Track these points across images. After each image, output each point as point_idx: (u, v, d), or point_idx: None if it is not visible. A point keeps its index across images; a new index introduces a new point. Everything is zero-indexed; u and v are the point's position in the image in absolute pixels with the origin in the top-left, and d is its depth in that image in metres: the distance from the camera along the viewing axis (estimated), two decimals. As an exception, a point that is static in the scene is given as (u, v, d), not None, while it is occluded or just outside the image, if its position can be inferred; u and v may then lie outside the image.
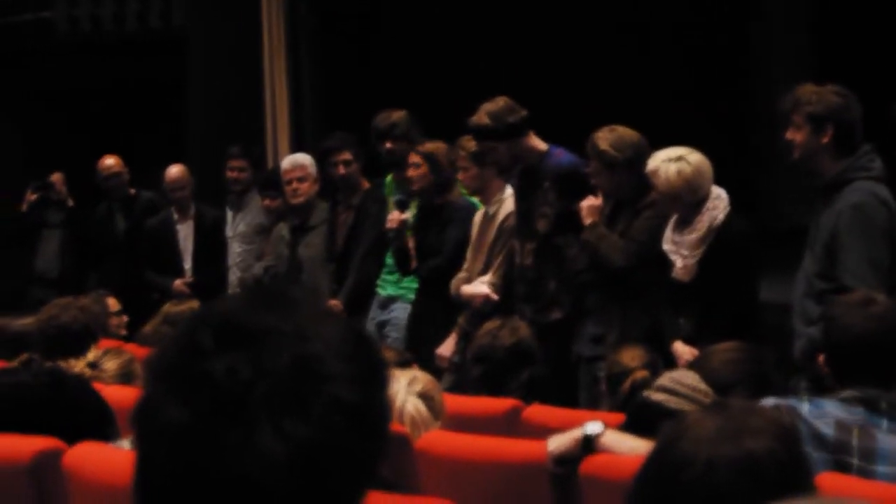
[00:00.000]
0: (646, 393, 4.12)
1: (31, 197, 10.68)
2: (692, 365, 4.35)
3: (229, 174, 9.73)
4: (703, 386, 4.03)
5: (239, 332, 1.40)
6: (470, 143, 7.31)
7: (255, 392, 1.36)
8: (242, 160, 9.73)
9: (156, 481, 1.41)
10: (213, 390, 1.36)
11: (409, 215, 7.85)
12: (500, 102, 7.09)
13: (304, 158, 9.10)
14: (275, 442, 1.35)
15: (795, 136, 5.79)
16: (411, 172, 7.68)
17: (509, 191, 7.42)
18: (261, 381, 1.36)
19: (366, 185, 8.63)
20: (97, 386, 4.48)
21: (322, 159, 8.82)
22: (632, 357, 5.11)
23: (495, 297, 7.24)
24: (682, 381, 4.06)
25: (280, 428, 1.35)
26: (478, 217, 7.52)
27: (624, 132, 6.69)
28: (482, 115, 7.05)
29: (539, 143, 7.14)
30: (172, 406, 1.38)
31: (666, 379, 4.12)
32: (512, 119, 7.04)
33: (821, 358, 4.03)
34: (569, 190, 6.87)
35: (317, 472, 1.37)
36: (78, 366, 5.29)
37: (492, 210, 7.43)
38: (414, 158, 7.67)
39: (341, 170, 8.61)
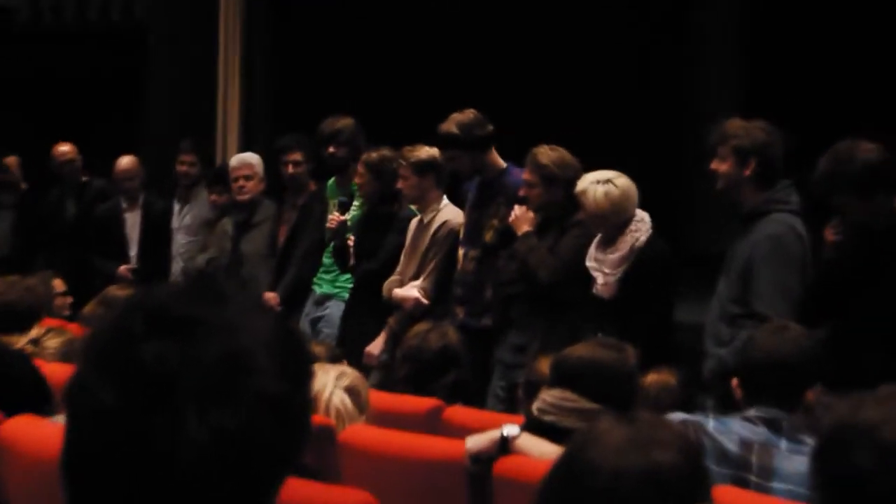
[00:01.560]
0: (535, 413, 4.13)
1: None
2: (561, 379, 4.34)
3: (179, 168, 9.70)
4: (586, 403, 4.05)
5: (170, 321, 1.39)
6: (411, 154, 7.33)
7: (183, 380, 1.35)
8: (192, 155, 9.71)
9: (82, 459, 1.40)
10: (141, 375, 1.36)
11: (348, 217, 7.84)
12: (469, 115, 7.13)
13: (252, 157, 9.09)
14: (200, 429, 1.34)
15: (720, 167, 5.85)
16: (357, 179, 7.68)
17: (445, 201, 7.45)
18: (189, 370, 1.36)
19: (312, 186, 8.61)
20: (38, 363, 4.44)
21: (275, 158, 8.80)
22: (549, 366, 5.11)
23: (425, 301, 7.26)
24: (565, 402, 4.08)
25: (206, 417, 1.35)
26: (413, 224, 7.53)
27: (565, 153, 6.75)
28: (451, 125, 7.09)
29: (499, 160, 7.19)
30: (102, 388, 1.37)
31: (549, 400, 4.13)
32: (479, 132, 7.08)
33: (734, 381, 4.05)
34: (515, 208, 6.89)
35: (239, 460, 1.37)
36: (20, 342, 5.25)
37: (427, 218, 7.44)
38: (359, 168, 7.66)
39: (290, 169, 8.59)
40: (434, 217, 7.41)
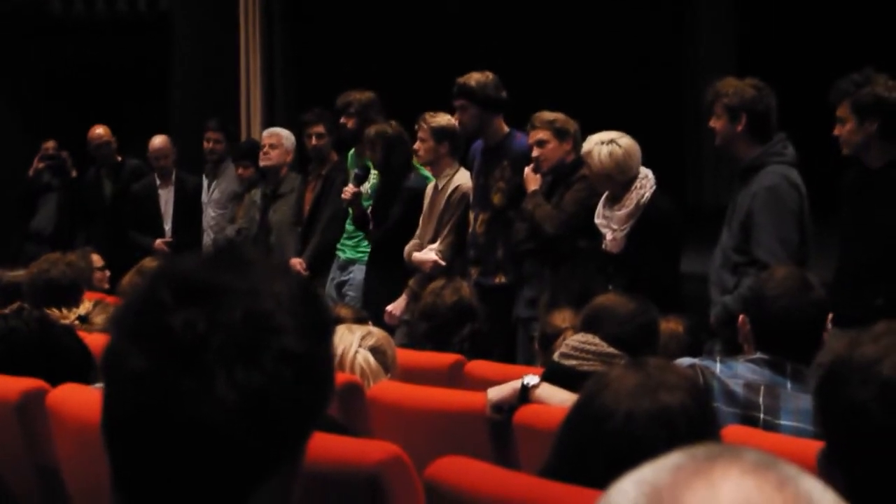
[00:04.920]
0: (556, 358, 4.11)
1: (39, 165, 10.65)
2: (587, 325, 4.31)
3: (206, 145, 9.74)
4: (606, 347, 4.03)
5: (196, 289, 1.39)
6: (432, 119, 7.34)
7: (210, 343, 1.35)
8: (218, 132, 9.75)
9: (120, 422, 1.41)
10: (171, 342, 1.36)
11: (366, 188, 7.83)
12: (488, 75, 7.14)
13: (280, 130, 9.17)
14: (228, 389, 1.34)
15: (716, 124, 5.87)
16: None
17: (458, 167, 7.43)
18: (215, 333, 1.35)
19: (335, 157, 8.61)
20: (82, 334, 4.46)
21: (299, 132, 8.82)
22: (563, 318, 5.10)
23: (443, 263, 7.27)
24: (587, 345, 4.06)
25: (233, 376, 1.35)
26: (429, 189, 7.53)
27: (563, 115, 6.75)
28: (469, 78, 7.10)
29: (503, 126, 7.19)
30: (134, 356, 1.38)
31: (572, 343, 4.11)
32: (492, 93, 7.07)
33: (741, 318, 4.02)
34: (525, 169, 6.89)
35: (266, 416, 1.37)
36: (69, 318, 5.28)
37: (441, 183, 7.43)
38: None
39: (313, 141, 8.60)
40: (448, 182, 7.40)
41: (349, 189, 7.73)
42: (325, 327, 1.47)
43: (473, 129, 7.17)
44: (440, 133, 7.32)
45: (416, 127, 7.43)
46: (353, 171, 7.90)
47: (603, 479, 1.04)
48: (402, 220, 7.52)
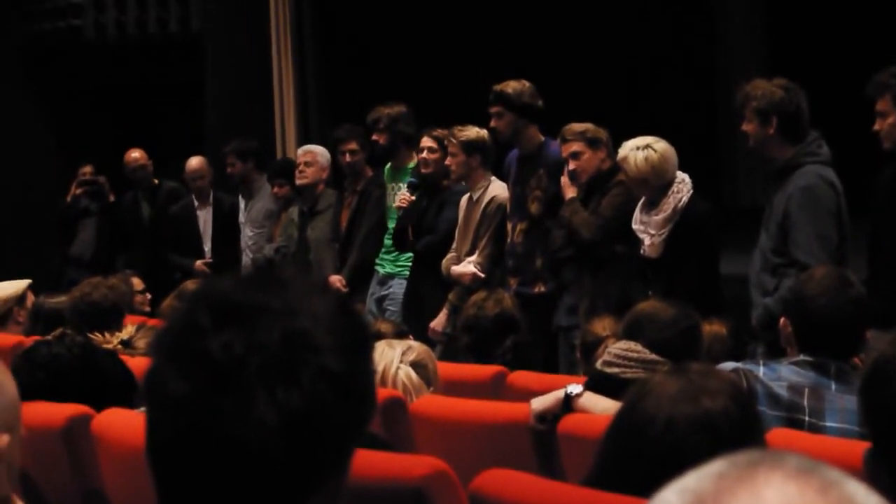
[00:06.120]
0: (599, 366, 4.10)
1: (77, 191, 10.72)
2: (629, 332, 4.29)
3: (228, 169, 9.76)
4: (649, 354, 4.01)
5: (233, 311, 1.40)
6: (461, 133, 7.34)
7: (249, 365, 1.36)
8: (231, 156, 9.72)
9: (163, 445, 1.42)
10: (210, 365, 1.37)
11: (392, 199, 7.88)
12: (525, 83, 7.17)
13: (315, 147, 9.16)
14: (268, 409, 1.35)
15: (748, 127, 5.85)
16: (426, 156, 7.62)
17: (492, 178, 7.44)
18: (254, 354, 1.36)
19: (369, 172, 8.62)
20: (125, 358, 4.48)
21: (332, 149, 8.84)
22: (603, 326, 5.09)
23: (482, 275, 7.27)
24: (629, 352, 4.04)
25: (273, 396, 1.35)
26: (463, 202, 7.53)
27: (592, 124, 6.77)
28: (507, 84, 7.14)
29: (538, 135, 7.20)
30: (175, 379, 1.39)
31: (614, 351, 4.10)
32: (529, 100, 7.11)
33: (782, 321, 4.00)
34: (561, 177, 6.89)
35: (307, 435, 1.37)
36: (112, 342, 5.30)
37: (476, 195, 7.44)
38: (428, 143, 7.62)
39: (347, 158, 8.61)
40: (483, 193, 7.41)
41: (405, 196, 7.74)
42: (364, 344, 1.47)
43: (508, 136, 7.18)
44: (470, 146, 7.33)
45: (445, 143, 7.43)
46: (407, 181, 7.89)
47: (646, 486, 1.04)
48: (453, 224, 7.52)
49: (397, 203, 7.81)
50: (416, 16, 11.78)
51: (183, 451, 1.39)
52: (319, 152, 9.00)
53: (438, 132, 7.64)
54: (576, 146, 6.72)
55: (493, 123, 7.18)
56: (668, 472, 1.06)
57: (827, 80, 9.07)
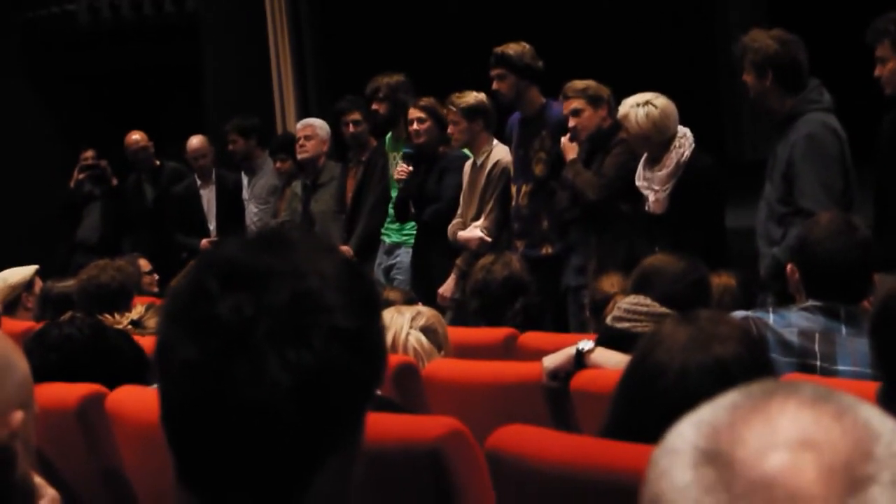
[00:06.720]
0: (609, 322, 4.10)
1: (80, 175, 10.72)
2: (638, 287, 4.29)
3: (229, 147, 9.75)
4: (659, 307, 4.00)
5: (241, 275, 1.39)
6: (460, 99, 7.32)
7: (259, 327, 1.35)
8: (233, 133, 9.72)
9: (176, 412, 1.41)
10: (220, 329, 1.36)
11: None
12: (525, 45, 7.18)
13: (314, 121, 9.15)
14: (280, 370, 1.34)
15: (747, 78, 5.84)
16: (416, 126, 7.62)
17: (495, 142, 7.43)
18: (263, 316, 1.35)
19: (373, 143, 8.60)
20: (136, 338, 4.49)
21: (335, 122, 8.82)
22: (611, 283, 5.09)
23: (489, 239, 7.26)
24: (639, 306, 4.04)
25: (284, 357, 1.34)
26: (467, 167, 7.52)
27: (594, 82, 6.75)
28: (507, 46, 7.15)
29: (539, 97, 7.20)
30: (185, 346, 1.38)
31: (623, 306, 4.09)
32: (530, 62, 7.12)
33: (789, 267, 4.00)
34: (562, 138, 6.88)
35: (320, 395, 1.37)
36: (122, 322, 5.31)
37: (480, 160, 7.43)
38: (416, 113, 7.61)
39: (351, 129, 8.59)
40: (486, 158, 7.39)
41: (403, 168, 7.72)
42: (372, 302, 1.46)
43: (511, 97, 7.18)
44: (471, 111, 7.32)
45: (445, 111, 7.42)
46: (402, 151, 7.88)
47: (661, 435, 1.04)
48: (458, 190, 7.51)
49: (396, 175, 7.80)
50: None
51: (197, 417, 1.38)
52: (318, 125, 8.99)
53: (425, 101, 7.62)
54: (576, 103, 6.72)
55: (494, 86, 7.17)
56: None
57: (826, 28, 9.03)
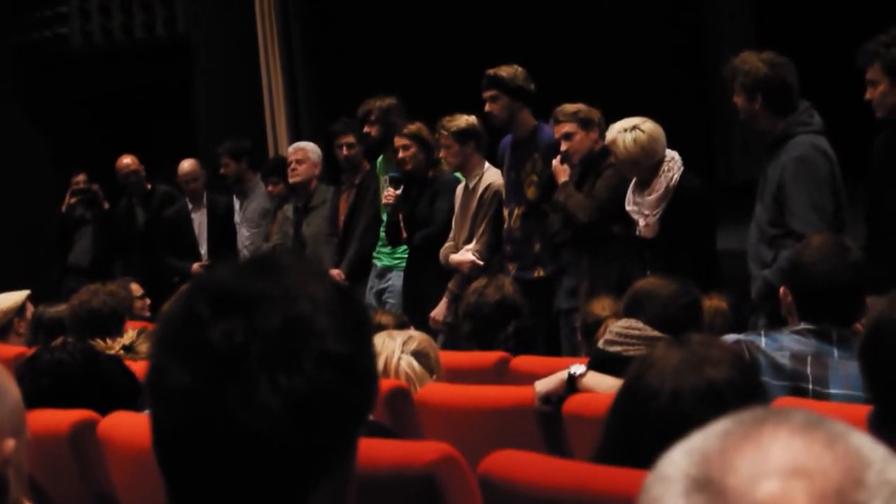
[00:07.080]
0: (601, 345, 4.10)
1: (71, 200, 10.71)
2: (630, 310, 4.29)
3: (222, 170, 9.76)
4: (650, 331, 4.00)
5: (233, 300, 1.39)
6: (451, 123, 7.34)
7: (251, 352, 1.35)
8: (224, 156, 9.72)
9: (168, 438, 1.41)
10: (211, 354, 1.36)
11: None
12: (517, 68, 7.21)
13: (306, 144, 9.16)
14: (272, 395, 1.34)
15: (737, 100, 5.85)
16: (402, 154, 7.64)
17: (487, 165, 7.44)
18: (255, 342, 1.35)
19: (367, 166, 8.61)
20: (128, 363, 4.48)
21: (328, 144, 8.83)
22: (602, 307, 5.09)
23: (481, 262, 7.27)
24: (631, 329, 4.04)
25: (276, 382, 1.35)
26: (459, 190, 7.53)
27: (584, 105, 6.77)
28: (500, 68, 7.18)
29: (531, 119, 7.21)
30: (176, 371, 1.38)
31: (615, 329, 4.10)
32: (522, 84, 7.14)
33: (782, 290, 4.00)
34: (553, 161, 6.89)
35: (312, 420, 1.37)
36: (114, 348, 5.30)
37: (472, 183, 7.44)
38: (401, 141, 7.63)
39: (344, 151, 8.59)
40: (478, 181, 7.41)
41: (390, 192, 7.72)
42: (364, 326, 1.47)
43: (503, 119, 7.19)
44: (462, 134, 7.33)
45: (436, 135, 7.43)
46: (388, 176, 7.89)
47: (653, 459, 1.04)
48: (449, 214, 7.52)
49: (384, 200, 7.80)
50: (402, 9, 11.76)
51: (189, 442, 1.38)
52: (310, 149, 8.99)
53: (409, 128, 7.64)
54: (568, 127, 6.73)
55: (487, 108, 7.18)
56: (675, 444, 1.06)
57: (817, 50, 9.06)
